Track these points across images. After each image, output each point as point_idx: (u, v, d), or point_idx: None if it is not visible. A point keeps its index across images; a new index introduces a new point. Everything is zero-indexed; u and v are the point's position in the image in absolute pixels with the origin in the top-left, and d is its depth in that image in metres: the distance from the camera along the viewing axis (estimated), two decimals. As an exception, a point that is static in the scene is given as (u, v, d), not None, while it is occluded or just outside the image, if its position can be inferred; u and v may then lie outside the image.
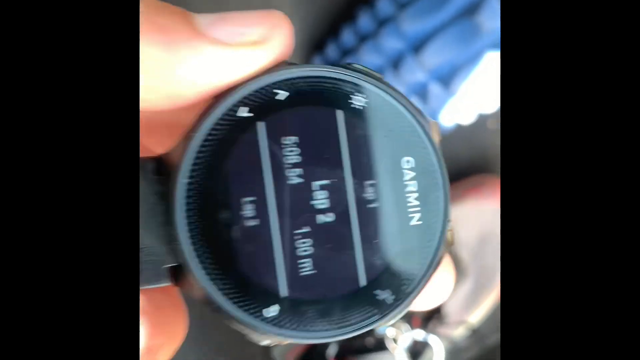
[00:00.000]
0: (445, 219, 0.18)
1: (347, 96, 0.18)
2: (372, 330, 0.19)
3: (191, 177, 0.17)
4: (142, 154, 0.17)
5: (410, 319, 0.48)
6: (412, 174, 0.18)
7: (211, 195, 0.17)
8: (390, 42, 0.42)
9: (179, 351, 0.19)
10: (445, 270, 0.19)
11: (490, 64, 0.38)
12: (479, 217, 0.51)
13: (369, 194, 0.18)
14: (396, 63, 0.43)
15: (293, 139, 0.17)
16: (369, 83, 0.18)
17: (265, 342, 0.18)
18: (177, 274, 0.17)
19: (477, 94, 0.41)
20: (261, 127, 0.17)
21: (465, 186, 0.52)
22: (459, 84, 0.40)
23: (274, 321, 0.17)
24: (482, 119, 0.48)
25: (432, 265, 0.18)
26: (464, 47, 0.39)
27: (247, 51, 0.16)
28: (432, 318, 0.49)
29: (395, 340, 0.47)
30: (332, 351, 0.44)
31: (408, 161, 0.18)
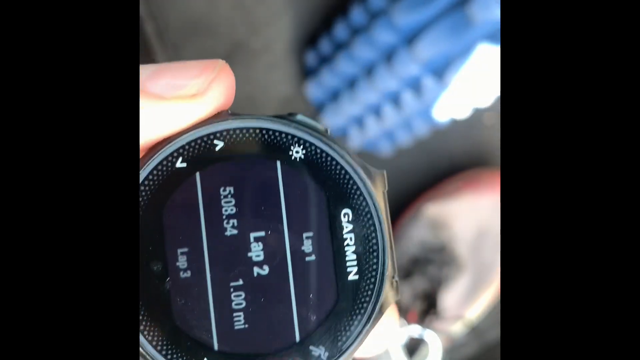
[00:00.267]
0: (384, 273, 0.18)
1: (286, 147, 0.18)
2: None
3: None
4: None
5: (406, 314, 0.48)
6: (351, 227, 0.18)
7: (145, 246, 0.17)
8: (383, 36, 0.42)
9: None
10: (388, 321, 0.19)
11: (482, 57, 0.38)
12: (475, 212, 0.51)
13: (305, 246, 0.18)
14: (389, 56, 0.42)
15: (230, 189, 0.17)
16: (309, 135, 0.18)
17: None
18: None
19: (471, 87, 0.41)
20: (197, 177, 0.17)
21: (461, 181, 0.52)
22: (452, 77, 0.40)
23: None
24: (478, 113, 0.48)
25: (370, 321, 0.18)
26: (456, 39, 0.38)
27: (185, 104, 0.16)
28: (428, 313, 0.49)
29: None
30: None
31: (346, 214, 0.18)
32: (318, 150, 0.18)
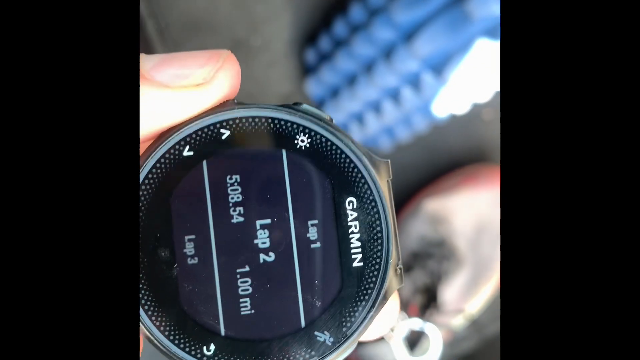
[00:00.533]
0: (388, 260, 0.18)
1: (291, 136, 0.18)
2: None
3: None
4: None
5: (407, 308, 0.49)
6: (355, 214, 0.18)
7: (153, 233, 0.17)
8: (382, 32, 0.42)
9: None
10: (391, 306, 0.19)
11: (481, 52, 0.38)
12: (474, 207, 0.51)
13: (311, 234, 0.18)
14: (388, 53, 0.43)
15: (236, 177, 0.18)
16: (314, 123, 0.18)
17: None
18: None
19: (469, 83, 0.41)
20: (204, 166, 0.17)
21: (460, 176, 0.52)
22: (451, 73, 0.40)
23: None
24: (477, 109, 0.48)
25: (374, 307, 0.18)
26: (455, 35, 0.39)
27: (191, 93, 0.17)
28: (429, 307, 0.49)
29: (392, 330, 0.48)
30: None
31: (351, 202, 0.18)
32: (323, 139, 0.18)
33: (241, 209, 0.18)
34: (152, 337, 0.17)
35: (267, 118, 0.18)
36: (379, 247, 0.18)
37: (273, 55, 0.51)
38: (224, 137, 0.18)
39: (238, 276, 0.17)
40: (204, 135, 0.17)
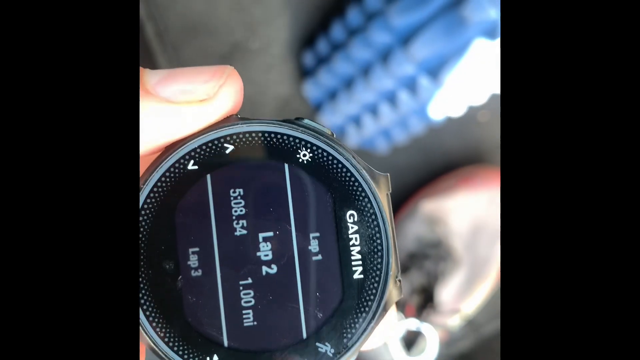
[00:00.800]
0: (388, 272, 0.18)
1: (293, 151, 0.18)
2: None
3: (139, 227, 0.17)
4: None
5: (404, 308, 0.49)
6: (356, 227, 0.18)
7: (158, 245, 0.17)
8: (379, 36, 0.42)
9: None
10: (389, 317, 0.19)
11: (477, 53, 0.39)
12: (470, 208, 0.51)
13: (312, 246, 0.18)
14: (385, 56, 0.43)
15: (240, 191, 0.18)
16: (316, 138, 0.18)
17: None
18: None
19: (465, 86, 0.42)
20: (208, 179, 0.18)
21: (457, 178, 0.53)
22: (447, 76, 0.41)
23: None
24: (472, 111, 0.49)
25: (374, 318, 0.18)
26: (451, 39, 0.39)
27: (194, 108, 0.17)
28: (425, 307, 0.49)
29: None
30: None
31: (352, 215, 0.18)
32: (324, 154, 0.18)
33: (244, 221, 0.18)
34: (156, 348, 0.17)
35: (269, 133, 0.18)
36: (379, 260, 0.18)
37: (271, 58, 0.51)
38: (227, 151, 0.18)
39: (241, 288, 0.18)
40: (208, 149, 0.18)
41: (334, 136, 0.19)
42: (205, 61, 0.51)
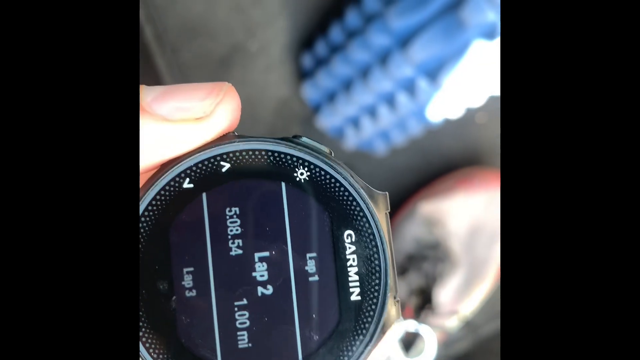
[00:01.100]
0: (386, 294, 0.18)
1: (291, 169, 0.18)
2: None
3: None
4: None
5: (402, 310, 0.49)
6: (353, 248, 0.18)
7: (152, 265, 0.17)
8: (378, 38, 0.43)
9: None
10: (388, 339, 0.19)
11: (475, 57, 0.39)
12: (469, 209, 0.51)
13: (309, 267, 0.18)
14: (384, 59, 0.43)
15: (235, 210, 0.18)
16: (313, 157, 0.18)
17: None
18: None
19: (464, 88, 0.42)
20: (204, 198, 0.18)
21: (455, 179, 0.53)
22: (445, 78, 0.41)
23: None
24: (470, 113, 0.49)
25: (372, 341, 0.18)
26: (449, 41, 0.39)
27: (191, 126, 0.17)
28: (424, 309, 0.49)
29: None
30: None
31: (349, 235, 0.18)
32: (322, 173, 0.18)
33: (240, 241, 0.18)
34: None
35: (266, 151, 0.18)
36: (377, 281, 0.18)
37: (270, 59, 0.52)
38: (223, 169, 0.18)
39: (236, 309, 0.17)
40: (204, 167, 0.18)
41: (332, 154, 0.19)
42: (204, 63, 0.51)
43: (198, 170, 0.18)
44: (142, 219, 0.17)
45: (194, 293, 0.17)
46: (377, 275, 0.18)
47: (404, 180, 0.54)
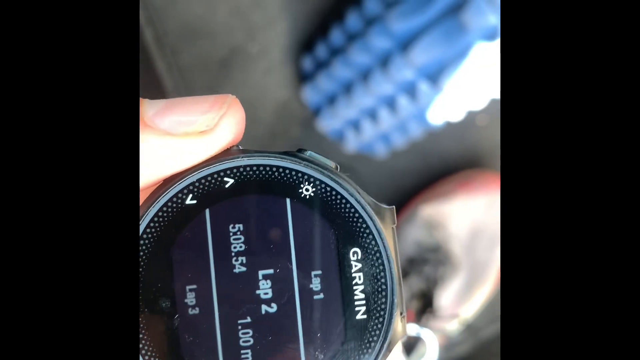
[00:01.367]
0: (392, 312, 0.18)
1: (296, 185, 0.18)
2: None
3: None
4: None
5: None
6: (359, 265, 0.18)
7: (154, 282, 0.17)
8: (379, 41, 0.42)
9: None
10: (394, 353, 0.19)
11: (477, 60, 0.39)
12: (469, 212, 0.51)
13: (314, 285, 0.18)
14: (385, 61, 0.43)
15: (239, 227, 0.17)
16: (319, 172, 0.18)
17: None
18: None
19: (465, 91, 0.42)
20: (207, 214, 0.17)
21: (455, 182, 0.53)
22: (446, 81, 0.41)
23: None
24: (471, 116, 0.49)
25: (377, 359, 0.18)
26: (450, 44, 0.39)
27: (194, 140, 0.16)
28: (425, 312, 0.49)
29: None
30: None
31: (355, 252, 0.18)
32: (328, 189, 0.18)
33: (243, 258, 0.17)
34: None
35: (271, 166, 0.18)
36: (384, 299, 0.18)
37: (270, 62, 0.51)
38: (227, 185, 0.17)
39: (239, 327, 0.17)
40: (207, 183, 0.17)
41: (338, 169, 0.18)
42: (204, 66, 0.51)
43: (201, 186, 0.17)
44: (144, 235, 0.17)
45: (197, 311, 0.17)
46: (384, 293, 0.18)
47: (405, 183, 0.54)
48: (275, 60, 0.51)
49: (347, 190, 0.18)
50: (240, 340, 0.17)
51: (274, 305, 0.17)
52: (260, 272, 0.17)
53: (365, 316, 0.18)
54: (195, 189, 0.17)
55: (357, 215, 0.18)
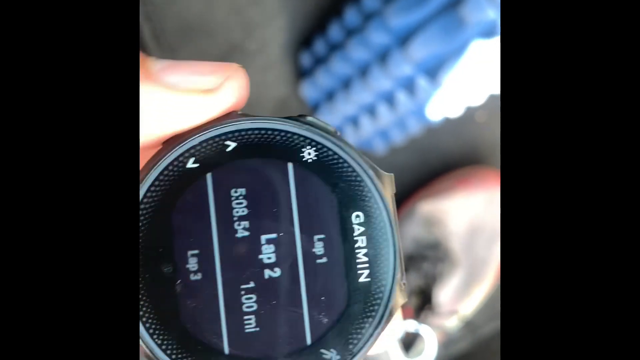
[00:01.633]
0: (394, 276, 0.18)
1: (298, 149, 0.17)
2: None
3: None
4: None
5: (402, 310, 0.49)
6: (362, 229, 0.18)
7: (155, 248, 0.17)
8: (377, 37, 0.42)
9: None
10: (393, 322, 0.19)
11: (475, 55, 0.39)
12: (469, 209, 0.51)
13: (317, 249, 0.17)
14: (383, 57, 0.43)
15: (241, 191, 0.17)
16: (321, 136, 0.18)
17: None
18: None
19: (463, 86, 0.42)
20: (209, 178, 0.17)
21: (454, 178, 0.53)
22: (445, 77, 0.41)
23: None
24: (470, 112, 0.49)
25: (380, 323, 0.18)
26: (449, 39, 0.39)
27: (198, 98, 0.16)
28: (424, 309, 0.49)
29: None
30: None
31: (358, 216, 0.18)
32: (330, 152, 0.18)
33: (246, 223, 0.17)
34: (152, 356, 0.17)
35: (273, 130, 0.17)
36: (386, 262, 0.18)
37: (268, 58, 0.51)
38: (229, 149, 0.17)
39: (242, 292, 0.17)
40: (208, 147, 0.17)
41: (339, 134, 0.18)
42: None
43: (203, 150, 0.17)
44: (145, 200, 0.17)
45: (199, 276, 0.17)
46: (386, 257, 0.18)
47: (404, 179, 0.54)
48: (273, 56, 0.51)
49: (348, 154, 0.18)
50: (244, 306, 0.17)
51: (277, 269, 0.17)
52: (263, 237, 0.17)
53: (368, 279, 0.18)
54: (197, 153, 0.17)
55: (359, 179, 0.18)
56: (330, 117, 0.50)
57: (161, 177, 0.17)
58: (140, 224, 0.17)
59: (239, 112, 0.18)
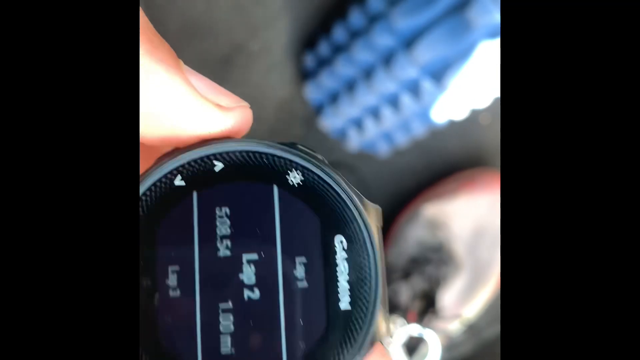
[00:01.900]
0: (376, 304, 0.18)
1: (284, 172, 0.18)
2: None
3: None
4: None
5: (405, 314, 0.49)
6: (344, 254, 0.18)
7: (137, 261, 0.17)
8: (382, 39, 0.42)
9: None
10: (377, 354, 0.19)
11: (482, 58, 0.39)
12: (472, 211, 0.51)
13: (298, 272, 0.17)
14: (388, 59, 0.43)
15: (225, 210, 0.17)
16: (307, 161, 0.18)
17: None
18: None
19: (468, 89, 0.42)
20: (194, 197, 0.17)
21: (458, 181, 0.53)
22: (450, 79, 0.40)
23: None
24: (475, 114, 0.49)
25: (360, 351, 0.17)
26: (455, 42, 0.39)
27: (212, 109, 0.17)
28: (427, 313, 0.49)
29: (391, 336, 0.48)
30: None
31: (340, 242, 0.18)
32: (315, 177, 0.18)
33: (228, 242, 0.17)
34: None
35: (261, 153, 0.18)
36: (367, 290, 0.18)
37: (272, 60, 0.51)
38: (216, 169, 0.18)
39: (220, 312, 0.17)
40: (197, 166, 0.17)
41: (326, 162, 0.18)
42: (205, 63, 0.51)
43: (191, 168, 0.17)
44: None
45: (177, 293, 0.17)
46: (368, 284, 0.18)
47: (407, 182, 0.54)
48: (276, 57, 0.51)
49: (334, 180, 0.18)
50: (220, 326, 0.17)
51: (256, 290, 0.17)
52: (245, 257, 0.17)
53: (349, 306, 0.18)
54: (185, 171, 0.17)
55: (343, 204, 0.18)
56: (333, 119, 0.49)
57: (148, 193, 0.17)
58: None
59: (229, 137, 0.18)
